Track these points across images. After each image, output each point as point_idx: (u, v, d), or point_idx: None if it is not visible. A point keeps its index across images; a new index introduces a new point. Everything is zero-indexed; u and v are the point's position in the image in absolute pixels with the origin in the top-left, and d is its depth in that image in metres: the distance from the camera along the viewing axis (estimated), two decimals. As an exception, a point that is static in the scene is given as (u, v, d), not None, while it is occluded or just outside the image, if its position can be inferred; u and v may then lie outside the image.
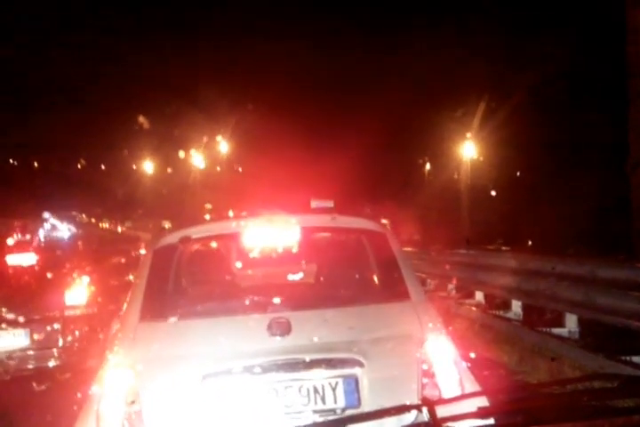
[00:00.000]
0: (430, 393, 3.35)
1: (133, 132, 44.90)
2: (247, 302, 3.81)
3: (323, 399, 3.31)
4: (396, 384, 3.38)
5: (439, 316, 3.83)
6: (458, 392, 3.36)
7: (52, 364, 7.51)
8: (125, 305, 3.79)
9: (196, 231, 4.08)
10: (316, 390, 3.32)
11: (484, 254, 12.88)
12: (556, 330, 8.51)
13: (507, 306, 10.34)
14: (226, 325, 3.59)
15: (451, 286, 13.52)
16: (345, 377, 3.35)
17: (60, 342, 7.56)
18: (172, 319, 3.68)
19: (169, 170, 51.48)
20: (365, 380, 3.34)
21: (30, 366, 7.48)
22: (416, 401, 3.31)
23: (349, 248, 4.43)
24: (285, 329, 3.43)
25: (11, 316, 7.60)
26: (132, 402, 3.28)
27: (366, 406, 3.30)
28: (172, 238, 4.05)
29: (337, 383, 3.33)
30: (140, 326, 3.60)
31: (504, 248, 17.92)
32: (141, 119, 41.23)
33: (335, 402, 3.31)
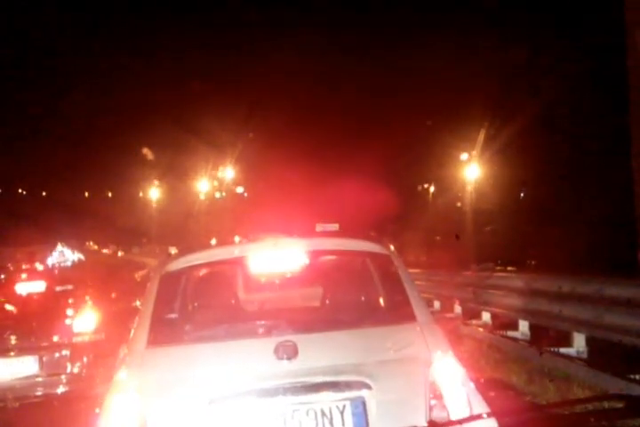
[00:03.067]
0: (438, 415, 3.34)
1: (139, 161, 45.27)
2: (253, 326, 3.83)
3: (331, 422, 3.31)
4: (403, 407, 3.37)
5: (446, 337, 3.84)
6: (466, 414, 3.35)
7: (60, 390, 7.51)
8: (132, 331, 3.81)
9: (201, 257, 4.11)
10: (323, 414, 3.32)
11: (490, 275, 12.85)
12: (564, 350, 8.48)
13: (514, 326, 10.31)
14: (232, 349, 3.60)
15: (457, 307, 13.50)
16: (352, 400, 3.35)
17: (69, 369, 7.56)
18: (179, 344, 3.70)
19: (175, 197, 51.71)
20: (373, 402, 3.34)
21: (39, 393, 7.48)
22: (424, 424, 3.31)
23: (355, 271, 4.44)
24: (292, 353, 3.44)
25: (19, 343, 7.62)
26: None
27: None
28: (178, 264, 4.08)
29: (344, 406, 3.33)
30: (147, 352, 3.62)
31: (509, 268, 17.88)
32: (146, 149, 41.66)
33: (343, 425, 3.31)
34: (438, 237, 34.65)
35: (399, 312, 3.90)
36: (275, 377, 3.37)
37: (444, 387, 3.41)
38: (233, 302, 4.24)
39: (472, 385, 3.52)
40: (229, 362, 3.51)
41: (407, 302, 3.86)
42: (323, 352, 3.51)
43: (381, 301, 4.22)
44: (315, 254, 4.05)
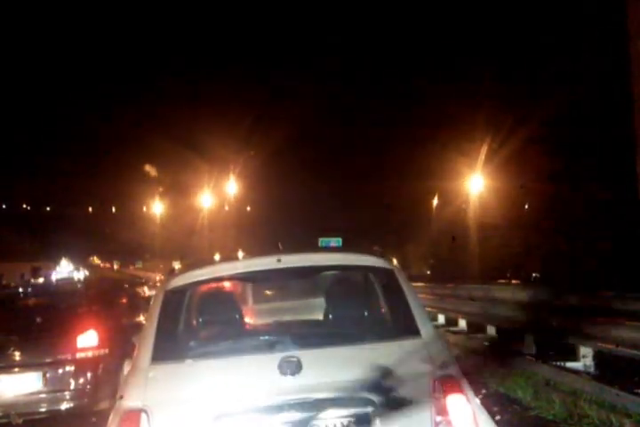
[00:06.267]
0: None
1: (142, 178, 45.63)
2: (257, 342, 3.82)
3: None
4: (408, 423, 3.35)
5: (450, 351, 3.81)
6: (472, 429, 3.33)
7: (64, 407, 7.48)
8: (137, 347, 3.80)
9: (205, 272, 4.10)
10: None
11: (495, 288, 12.83)
12: (571, 364, 8.43)
13: (519, 340, 10.25)
14: (237, 365, 3.59)
15: (462, 321, 13.47)
16: (357, 416, 3.33)
17: (73, 385, 7.53)
18: (184, 360, 3.69)
19: (178, 212, 51.92)
20: (377, 418, 3.33)
21: (43, 409, 7.45)
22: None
23: (358, 285, 4.43)
24: (296, 368, 3.43)
25: (23, 359, 7.59)
26: None
27: None
28: (182, 280, 4.08)
29: (349, 422, 3.32)
30: (151, 368, 3.61)
31: (514, 281, 17.86)
32: (149, 166, 42.09)
33: None
34: (441, 251, 34.64)
35: (403, 327, 3.88)
36: (278, 393, 3.35)
37: (448, 402, 3.39)
38: (237, 317, 4.24)
39: (477, 400, 3.50)
40: (233, 378, 3.50)
41: (411, 316, 3.84)
42: (327, 368, 3.49)
43: (385, 315, 4.21)
44: (318, 269, 4.04)
